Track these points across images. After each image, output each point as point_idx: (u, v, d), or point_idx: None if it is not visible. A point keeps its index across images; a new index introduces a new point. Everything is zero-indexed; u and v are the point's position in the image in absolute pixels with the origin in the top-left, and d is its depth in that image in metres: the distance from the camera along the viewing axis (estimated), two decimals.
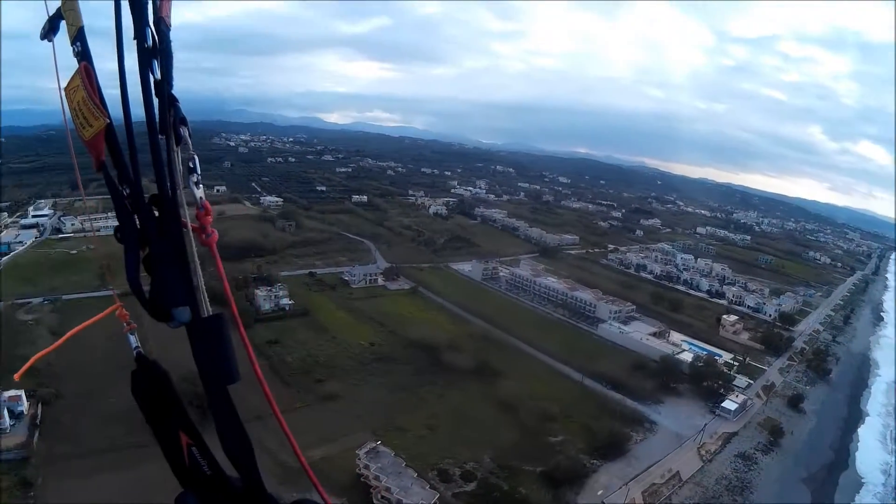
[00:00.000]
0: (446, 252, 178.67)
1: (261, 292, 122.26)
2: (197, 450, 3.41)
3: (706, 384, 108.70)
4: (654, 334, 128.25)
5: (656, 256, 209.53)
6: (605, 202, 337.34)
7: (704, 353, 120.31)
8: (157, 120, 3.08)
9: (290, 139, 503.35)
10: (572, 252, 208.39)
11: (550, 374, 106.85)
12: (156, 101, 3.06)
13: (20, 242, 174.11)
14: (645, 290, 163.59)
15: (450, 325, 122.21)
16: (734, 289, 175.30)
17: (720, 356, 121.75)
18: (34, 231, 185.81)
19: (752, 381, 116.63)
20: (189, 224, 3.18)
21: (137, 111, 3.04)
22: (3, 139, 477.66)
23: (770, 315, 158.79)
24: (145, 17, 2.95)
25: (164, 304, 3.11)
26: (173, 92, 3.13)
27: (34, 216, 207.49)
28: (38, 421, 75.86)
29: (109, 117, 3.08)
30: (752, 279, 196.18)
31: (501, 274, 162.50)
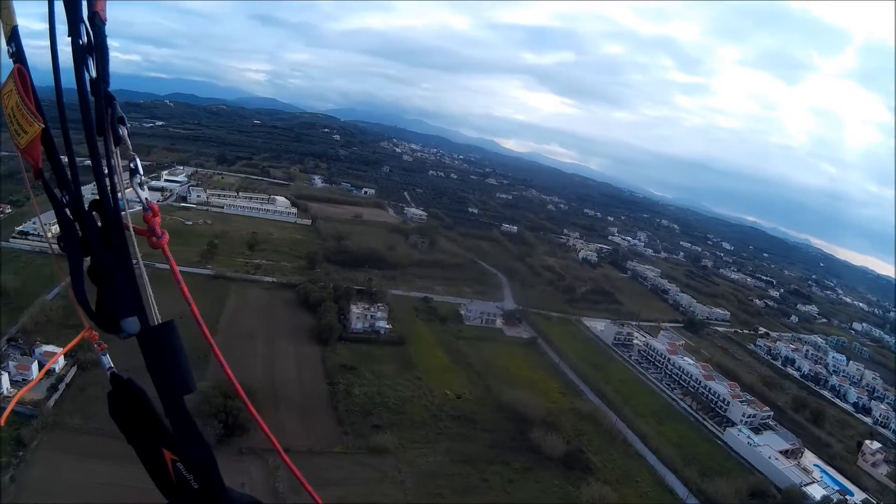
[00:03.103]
0: (583, 304, 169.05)
1: (356, 309, 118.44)
2: (182, 465, 3.40)
3: None
4: (786, 452, 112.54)
5: (807, 351, 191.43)
6: (765, 277, 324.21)
7: (836, 488, 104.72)
8: (94, 120, 3.08)
9: (461, 157, 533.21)
10: (720, 329, 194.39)
11: (652, 482, 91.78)
12: (92, 100, 3.06)
13: (140, 202, 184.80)
14: (788, 391, 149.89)
15: (556, 394, 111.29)
16: (882, 406, 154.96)
17: (852, 495, 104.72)
18: (159, 195, 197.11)
19: None
20: (132, 228, 3.29)
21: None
22: (171, 103, 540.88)
23: None
24: (79, 12, 2.97)
25: (112, 314, 3.21)
26: (110, 90, 3.11)
27: (166, 180, 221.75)
28: (63, 384, 77.50)
29: (45, 122, 3.15)
30: None
31: (635, 342, 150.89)
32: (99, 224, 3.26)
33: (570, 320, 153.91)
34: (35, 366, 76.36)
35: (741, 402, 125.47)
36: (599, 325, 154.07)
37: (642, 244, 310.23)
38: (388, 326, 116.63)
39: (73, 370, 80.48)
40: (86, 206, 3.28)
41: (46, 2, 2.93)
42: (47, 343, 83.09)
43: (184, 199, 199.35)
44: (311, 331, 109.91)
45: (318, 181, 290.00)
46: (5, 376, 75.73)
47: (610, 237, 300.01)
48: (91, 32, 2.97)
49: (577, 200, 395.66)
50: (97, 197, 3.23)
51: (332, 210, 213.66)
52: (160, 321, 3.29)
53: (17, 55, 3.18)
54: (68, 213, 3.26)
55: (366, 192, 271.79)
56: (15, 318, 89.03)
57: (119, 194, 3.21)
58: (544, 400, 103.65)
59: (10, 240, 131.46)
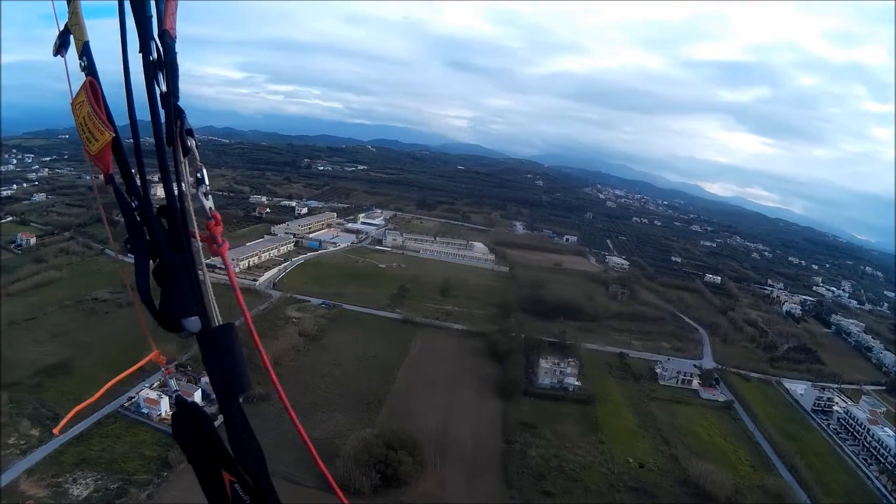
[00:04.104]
0: (784, 364, 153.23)
1: (544, 363, 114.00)
2: (240, 486, 3.51)
3: None
4: None
5: None
6: None
7: None
8: (165, 131, 3.34)
9: (665, 202, 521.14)
10: None
11: None
12: (163, 113, 3.32)
13: (334, 243, 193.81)
14: None
15: (746, 467, 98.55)
16: None
17: None
18: (354, 237, 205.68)
19: None
20: (198, 234, 3.50)
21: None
22: (373, 148, 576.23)
23: None
24: (150, 30, 3.27)
25: (174, 314, 3.41)
26: (179, 104, 3.37)
27: (363, 222, 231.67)
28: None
29: (116, 131, 3.44)
30: None
31: (835, 408, 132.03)
32: (165, 228, 3.51)
33: (769, 382, 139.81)
34: (198, 394, 79.82)
35: None
36: (799, 388, 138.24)
37: (846, 294, 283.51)
38: (576, 383, 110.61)
39: (213, 409, 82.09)
40: (154, 211, 3.54)
41: (119, 20, 3.21)
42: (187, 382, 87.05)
43: (379, 242, 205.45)
44: (495, 383, 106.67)
45: (519, 227, 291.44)
46: (165, 400, 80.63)
47: (814, 287, 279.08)
48: (161, 49, 3.25)
49: (781, 247, 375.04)
50: (165, 203, 3.45)
51: (531, 257, 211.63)
52: (220, 322, 3.44)
53: (89, 68, 3.50)
54: (137, 217, 3.53)
55: (567, 240, 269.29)
56: (189, 346, 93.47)
57: (186, 201, 3.42)
58: (733, 474, 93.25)
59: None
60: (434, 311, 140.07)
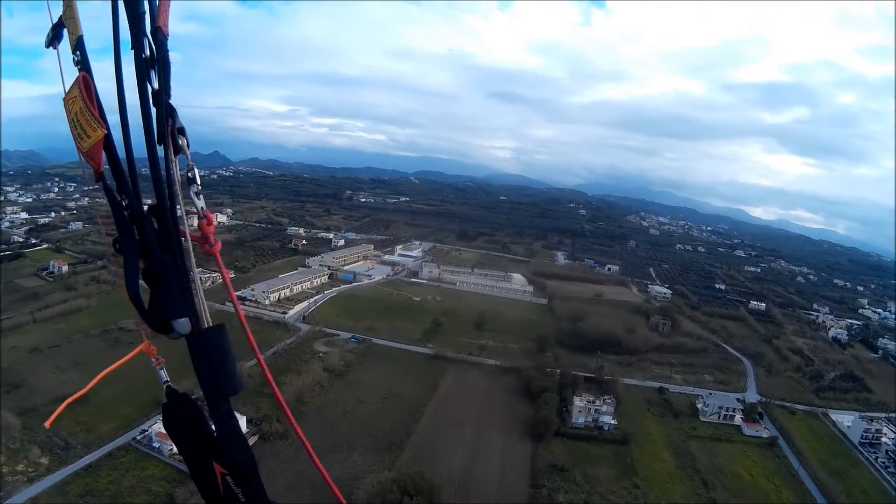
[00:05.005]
0: (830, 393, 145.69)
1: (579, 402, 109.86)
2: (231, 479, 3.54)
3: None
4: None
5: None
6: None
7: None
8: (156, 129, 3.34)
9: (709, 228, 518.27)
10: None
11: None
12: (154, 111, 3.33)
13: (369, 275, 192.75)
14: None
15: None
16: None
17: None
18: (390, 269, 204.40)
19: None
20: (188, 234, 3.46)
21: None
22: (417, 180, 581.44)
23: None
24: (142, 26, 3.24)
25: (164, 315, 3.36)
26: (171, 102, 3.38)
27: (400, 254, 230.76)
28: None
29: (108, 128, 3.36)
30: None
31: (884, 439, 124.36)
32: (156, 227, 3.45)
33: (815, 414, 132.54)
34: (243, 420, 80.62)
35: None
36: (847, 420, 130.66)
37: (893, 316, 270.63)
38: (612, 422, 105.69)
39: (255, 439, 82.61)
40: (144, 210, 3.49)
41: (111, 16, 3.20)
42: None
43: (416, 274, 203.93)
44: (526, 423, 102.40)
45: (560, 257, 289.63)
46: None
47: (860, 310, 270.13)
48: (154, 46, 3.23)
49: (825, 270, 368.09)
50: (155, 202, 3.42)
51: (571, 288, 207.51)
52: (210, 324, 3.44)
53: (83, 63, 3.39)
54: (127, 216, 3.45)
55: (609, 269, 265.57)
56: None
57: (177, 201, 3.38)
58: None
59: (227, 303, 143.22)
60: (467, 346, 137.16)
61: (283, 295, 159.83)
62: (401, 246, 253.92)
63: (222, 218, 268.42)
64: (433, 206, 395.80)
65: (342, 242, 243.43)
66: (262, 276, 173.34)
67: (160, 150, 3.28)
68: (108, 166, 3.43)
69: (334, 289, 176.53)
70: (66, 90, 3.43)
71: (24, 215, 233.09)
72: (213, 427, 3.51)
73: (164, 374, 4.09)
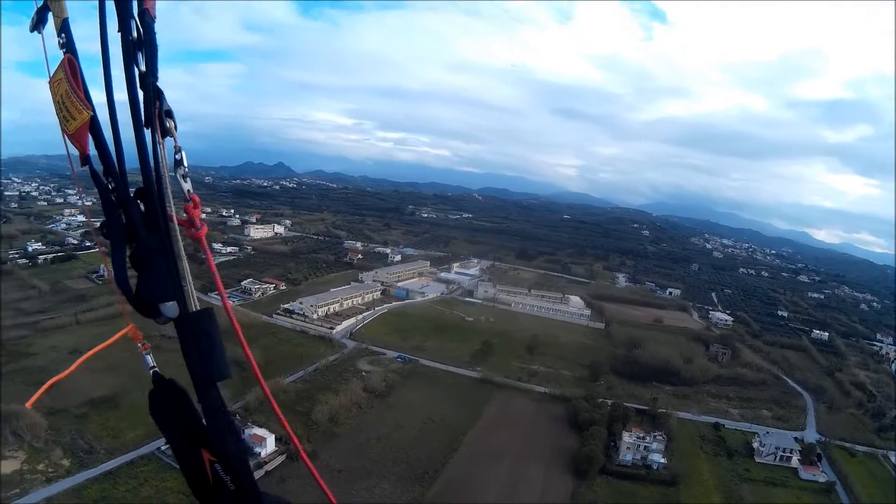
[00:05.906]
0: (892, 433, 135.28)
1: (628, 437, 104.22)
2: (220, 466, 3.53)
3: None
4: None
5: None
6: None
7: None
8: (143, 112, 3.32)
9: (773, 251, 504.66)
10: None
11: None
12: (141, 93, 3.31)
13: (423, 293, 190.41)
14: None
15: None
16: None
17: None
18: (445, 287, 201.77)
19: None
20: (175, 217, 3.44)
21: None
22: (480, 197, 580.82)
23: None
24: (129, 8, 3.26)
25: (151, 299, 3.38)
26: (158, 84, 3.35)
27: (456, 272, 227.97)
28: (264, 471, 79.22)
29: (94, 110, 3.43)
30: None
31: None
32: (142, 210, 3.45)
33: (875, 455, 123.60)
34: (271, 440, 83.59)
35: None
36: None
37: None
38: (662, 460, 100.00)
39: (282, 458, 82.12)
40: (131, 193, 3.50)
41: None
42: (259, 426, 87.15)
43: (471, 293, 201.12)
44: (570, 457, 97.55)
45: (621, 279, 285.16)
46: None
47: None
48: (141, 28, 3.23)
49: (890, 297, 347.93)
50: (142, 186, 3.42)
51: (630, 312, 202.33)
52: (198, 308, 3.40)
53: (68, 45, 3.47)
54: (113, 199, 3.46)
55: (670, 293, 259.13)
56: (243, 393, 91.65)
57: (164, 184, 3.36)
58: None
59: (275, 315, 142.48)
60: (517, 371, 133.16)
61: (332, 309, 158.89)
62: (458, 263, 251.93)
63: (279, 229, 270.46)
64: (495, 223, 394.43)
65: (398, 258, 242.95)
66: (314, 290, 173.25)
67: (148, 134, 3.23)
68: (95, 150, 3.44)
69: (385, 305, 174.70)
70: (52, 73, 3.48)
71: (80, 218, 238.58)
72: (201, 414, 3.44)
73: (150, 360, 4.02)
